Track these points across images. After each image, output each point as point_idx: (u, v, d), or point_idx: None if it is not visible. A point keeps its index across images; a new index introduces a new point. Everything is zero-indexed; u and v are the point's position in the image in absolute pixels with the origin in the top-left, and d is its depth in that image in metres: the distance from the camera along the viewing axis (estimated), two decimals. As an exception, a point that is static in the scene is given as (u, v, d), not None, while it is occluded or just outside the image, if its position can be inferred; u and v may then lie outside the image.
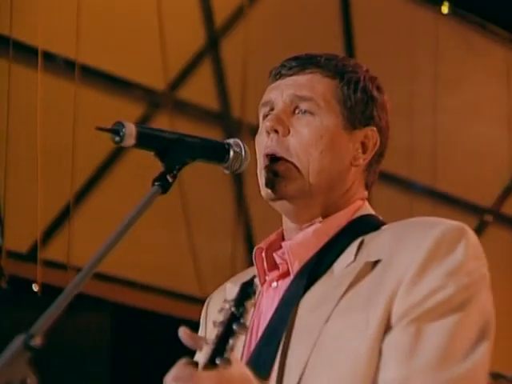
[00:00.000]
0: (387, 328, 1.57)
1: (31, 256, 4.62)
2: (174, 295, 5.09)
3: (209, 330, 1.84)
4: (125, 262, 4.86)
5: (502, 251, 6.37)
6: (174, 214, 4.88)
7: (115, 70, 4.93)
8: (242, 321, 1.51)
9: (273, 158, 1.67)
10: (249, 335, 1.71)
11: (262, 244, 1.72)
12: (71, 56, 4.57)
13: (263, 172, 1.67)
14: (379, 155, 1.77)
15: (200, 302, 4.70)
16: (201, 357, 1.48)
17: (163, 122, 5.07)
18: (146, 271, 5.01)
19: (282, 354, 1.64)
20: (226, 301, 1.54)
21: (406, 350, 1.56)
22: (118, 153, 5.03)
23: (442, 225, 1.60)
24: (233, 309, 1.51)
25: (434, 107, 6.24)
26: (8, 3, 4.42)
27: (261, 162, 1.69)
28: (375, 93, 1.77)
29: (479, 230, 6.18)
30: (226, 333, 1.50)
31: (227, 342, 1.49)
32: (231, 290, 1.74)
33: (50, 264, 4.61)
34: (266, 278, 1.73)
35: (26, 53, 4.59)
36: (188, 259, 4.94)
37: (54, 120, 4.51)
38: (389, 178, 5.96)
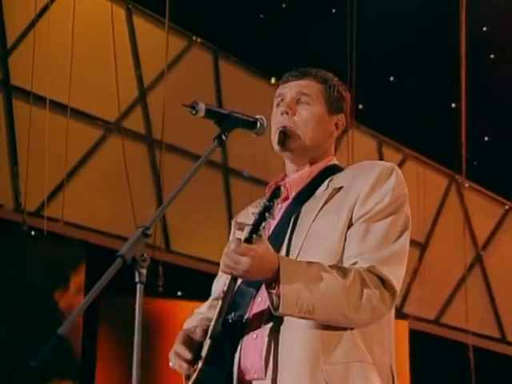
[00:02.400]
0: (350, 224, 2.09)
1: (38, 213, 6.05)
2: (122, 238, 6.03)
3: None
4: (94, 216, 6.31)
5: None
6: (123, 188, 6.08)
7: (87, 108, 6.34)
8: (271, 211, 2.00)
9: (283, 130, 2.18)
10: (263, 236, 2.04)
11: (272, 182, 2.24)
12: (65, 101, 5.96)
13: (277, 135, 2.19)
14: (343, 132, 2.29)
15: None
16: (242, 235, 1.99)
17: (116, 141, 6.33)
18: (105, 222, 6.34)
19: (287, 242, 2.12)
20: (259, 201, 2.11)
21: (360, 237, 2.07)
22: (91, 153, 6.36)
23: (381, 165, 2.16)
24: (266, 202, 2.01)
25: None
26: (30, 69, 5.70)
27: (275, 130, 2.19)
28: (344, 94, 2.28)
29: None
30: (260, 218, 1.99)
31: (260, 224, 1.98)
32: (254, 210, 2.13)
33: (50, 218, 5.93)
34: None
35: (39, 100, 5.96)
36: (130, 216, 5.97)
37: (55, 137, 5.89)
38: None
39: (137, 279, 1.78)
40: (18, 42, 6.12)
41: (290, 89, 2.25)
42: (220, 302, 2.10)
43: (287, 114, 2.22)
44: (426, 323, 7.85)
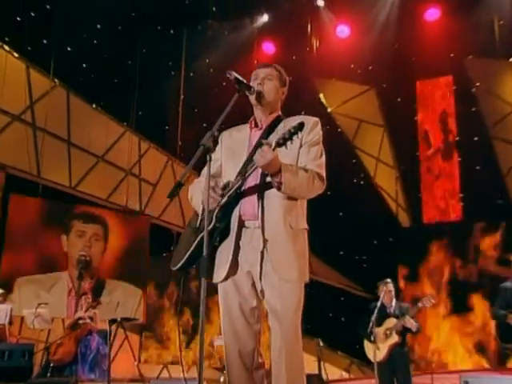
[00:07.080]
0: (300, 146, 3.59)
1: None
2: (20, 170, 10.12)
3: (223, 147, 3.71)
4: (11, 159, 10.28)
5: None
6: (23, 146, 9.90)
7: (8, 108, 10.28)
8: (298, 135, 3.42)
9: (259, 92, 3.51)
10: (248, 152, 3.47)
11: (251, 119, 3.63)
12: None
13: (255, 95, 3.53)
14: (284, 98, 3.76)
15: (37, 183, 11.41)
16: (273, 144, 3.36)
17: (21, 128, 10.05)
18: (17, 163, 10.14)
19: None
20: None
21: (306, 153, 3.59)
22: (11, 124, 10.17)
23: (314, 118, 3.65)
24: (298, 131, 3.38)
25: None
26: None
27: (255, 93, 3.53)
28: (287, 78, 3.73)
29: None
30: (289, 138, 3.40)
31: (288, 141, 3.40)
32: (236, 132, 3.64)
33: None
34: (253, 130, 3.60)
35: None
36: (26, 161, 9.85)
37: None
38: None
39: (208, 158, 2.88)
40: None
41: (262, 72, 3.58)
42: (239, 178, 3.35)
43: (260, 84, 3.51)
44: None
